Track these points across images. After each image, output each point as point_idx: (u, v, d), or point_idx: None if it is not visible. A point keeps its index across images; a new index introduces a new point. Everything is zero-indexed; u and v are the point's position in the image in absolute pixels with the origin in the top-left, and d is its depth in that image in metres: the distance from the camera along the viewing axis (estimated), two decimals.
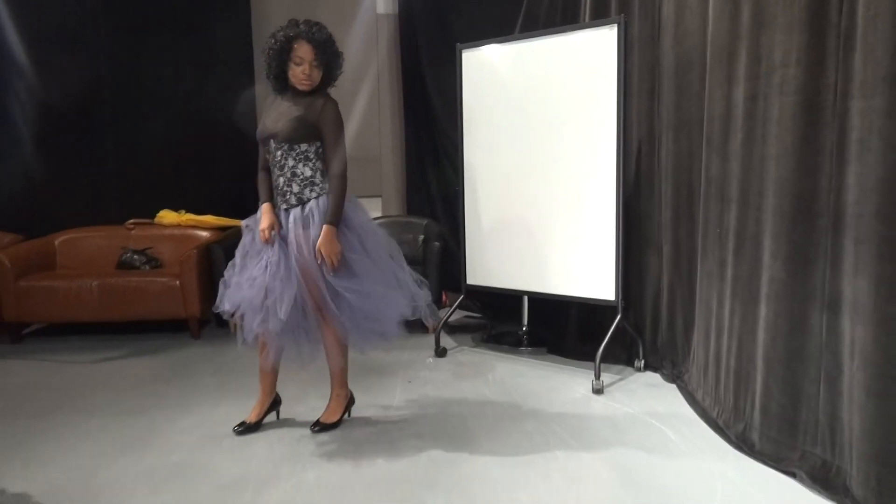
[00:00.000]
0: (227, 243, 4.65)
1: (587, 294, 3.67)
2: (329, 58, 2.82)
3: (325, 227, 2.77)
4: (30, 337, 4.61)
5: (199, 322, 4.55)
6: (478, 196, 4.12)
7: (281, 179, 2.87)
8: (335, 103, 2.85)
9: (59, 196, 5.01)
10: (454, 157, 4.48)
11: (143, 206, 5.08)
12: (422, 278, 3.03)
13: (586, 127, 3.58)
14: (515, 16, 4.36)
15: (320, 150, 2.86)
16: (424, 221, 4.84)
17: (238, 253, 2.97)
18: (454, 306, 4.30)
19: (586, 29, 3.54)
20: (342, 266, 2.80)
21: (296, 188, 2.84)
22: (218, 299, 2.94)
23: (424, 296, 2.98)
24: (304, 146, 2.82)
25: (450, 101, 4.50)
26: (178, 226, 4.99)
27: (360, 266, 2.83)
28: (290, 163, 2.83)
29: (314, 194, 2.84)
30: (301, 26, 2.80)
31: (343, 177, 2.83)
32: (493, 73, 3.96)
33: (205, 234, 4.93)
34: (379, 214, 5.30)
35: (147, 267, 4.75)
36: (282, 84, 2.88)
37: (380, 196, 5.46)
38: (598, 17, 3.80)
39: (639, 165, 3.70)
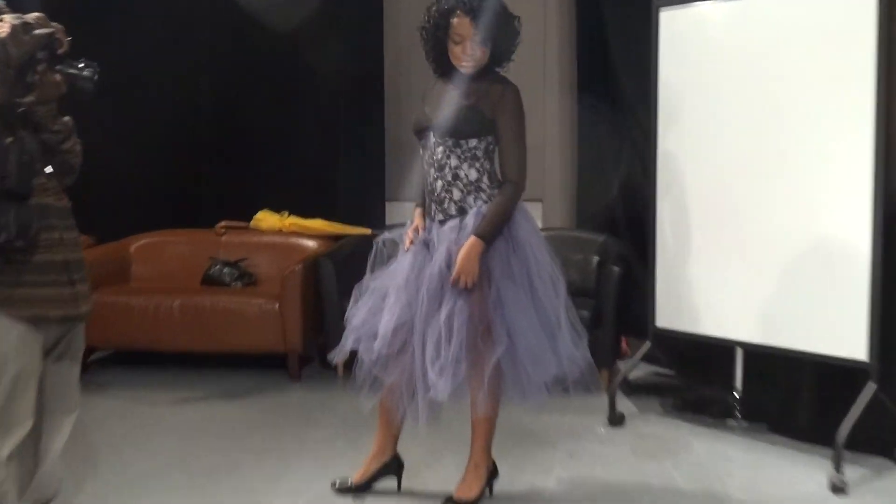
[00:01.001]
0: (340, 256, 5.25)
1: (827, 350, 3.87)
2: (497, 31, 3.22)
3: (472, 238, 3.16)
4: (95, 365, 5.43)
5: (301, 359, 5.17)
6: (676, 206, 4.42)
7: (439, 183, 3.27)
8: (516, 90, 3.25)
9: (138, 191, 5.89)
10: (645, 153, 4.80)
11: (238, 206, 5.85)
12: (580, 328, 3.29)
13: (834, 118, 3.81)
14: None
15: (491, 147, 3.28)
16: (600, 238, 5.18)
17: (367, 278, 3.42)
18: (636, 357, 4.61)
19: None
20: (486, 292, 3.19)
21: (457, 194, 3.26)
22: (343, 339, 3.39)
23: (581, 354, 3.26)
24: (472, 142, 3.24)
25: (642, 78, 4.78)
26: (280, 232, 5.69)
27: (512, 296, 3.20)
28: (453, 162, 3.24)
29: (479, 203, 3.25)
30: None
31: (519, 185, 3.23)
32: (702, 40, 4.27)
33: (312, 243, 5.59)
34: (538, 225, 5.66)
35: (239, 283, 5.46)
36: (444, 66, 3.32)
37: (540, 200, 5.85)
38: None
39: None
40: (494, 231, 3.18)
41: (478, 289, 3.17)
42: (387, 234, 3.53)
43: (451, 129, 3.24)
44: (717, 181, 4.24)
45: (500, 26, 3.22)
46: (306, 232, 5.66)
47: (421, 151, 3.38)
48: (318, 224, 5.67)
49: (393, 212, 6.07)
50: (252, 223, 5.76)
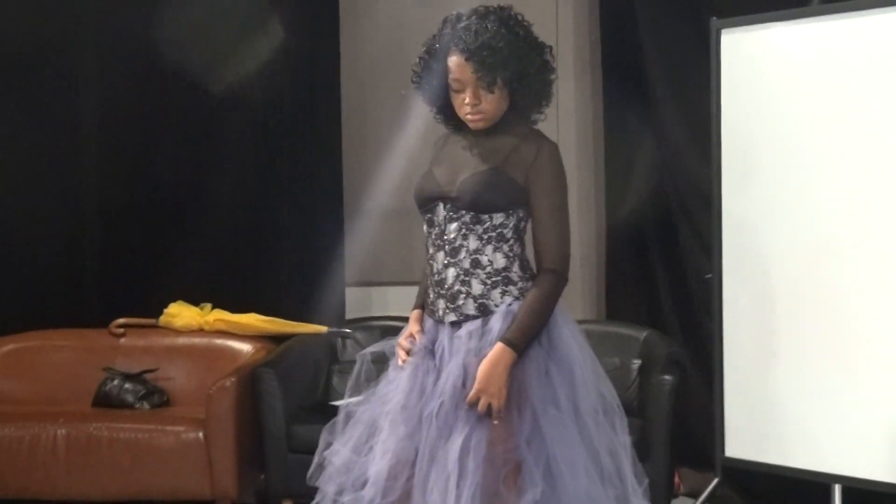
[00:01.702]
0: (285, 365, 5.15)
1: None
2: (510, 70, 3.14)
3: (498, 346, 3.08)
4: None
5: None
6: (749, 292, 4.40)
7: (451, 272, 3.18)
8: (554, 148, 3.19)
9: (2, 278, 5.72)
10: (702, 217, 4.79)
11: (142, 296, 5.71)
12: (641, 475, 3.23)
13: None
14: None
15: (523, 224, 3.23)
16: (643, 334, 5.14)
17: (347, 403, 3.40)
18: (703, 497, 4.55)
19: None
20: (517, 419, 3.10)
21: (477, 287, 3.17)
22: (320, 487, 3.28)
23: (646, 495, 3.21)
24: (497, 218, 3.16)
25: (696, 117, 4.85)
26: (200, 332, 5.57)
27: (553, 426, 3.10)
28: (472, 244, 3.16)
29: (508, 299, 3.17)
30: (450, 26, 3.18)
31: (561, 274, 3.17)
32: (778, 70, 4.30)
33: (245, 346, 5.49)
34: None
35: (146, 404, 5.30)
36: (454, 116, 3.28)
37: None
38: None
39: None
40: (529, 338, 3.11)
41: (505, 415, 3.09)
42: (374, 348, 3.48)
43: (471, 200, 3.15)
44: (803, 259, 4.25)
45: (515, 63, 3.13)
46: (236, 331, 5.57)
47: (425, 229, 3.31)
48: (251, 320, 5.58)
49: (356, 301, 6.04)
50: (161, 320, 5.64)
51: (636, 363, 5.04)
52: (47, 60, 5.84)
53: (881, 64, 4.02)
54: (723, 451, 4.47)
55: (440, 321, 3.24)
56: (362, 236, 5.97)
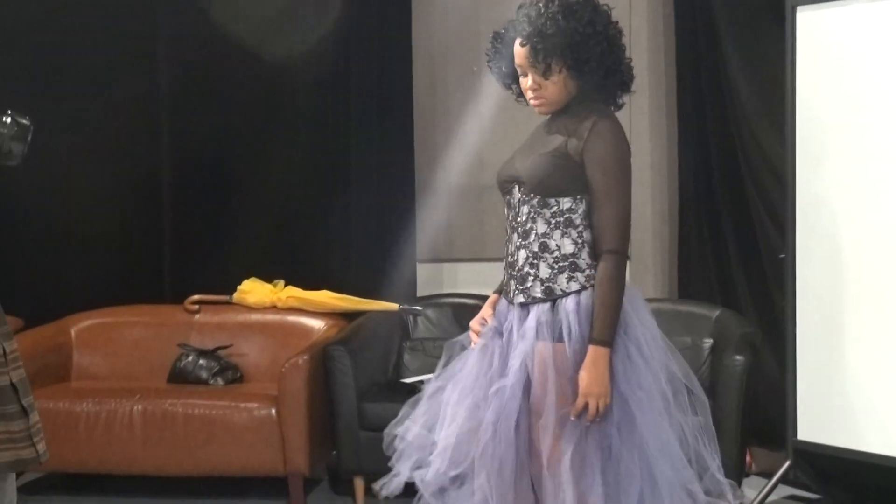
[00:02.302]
0: (357, 342, 5.23)
1: None
2: (565, 56, 3.18)
3: (592, 349, 3.12)
4: (25, 491, 5.32)
5: (306, 483, 5.12)
6: (825, 272, 4.40)
7: (521, 253, 3.26)
8: (612, 121, 3.23)
9: (80, 254, 5.89)
10: (777, 197, 4.78)
11: (216, 273, 5.84)
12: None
13: None
14: None
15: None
16: (714, 312, 5.14)
17: (420, 378, 3.46)
18: (774, 480, 4.54)
19: None
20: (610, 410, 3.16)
21: (544, 270, 3.23)
22: (395, 463, 3.38)
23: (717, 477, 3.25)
24: (565, 202, 3.22)
25: (771, 95, 4.85)
26: (274, 308, 5.66)
27: (644, 414, 3.16)
28: (540, 227, 3.23)
29: (575, 286, 3.21)
30: (520, 12, 3.25)
31: (621, 255, 3.20)
32: (856, 49, 4.28)
33: (318, 323, 5.59)
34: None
35: (220, 381, 5.43)
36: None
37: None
38: None
39: None
40: (612, 327, 3.15)
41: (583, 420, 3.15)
42: (461, 337, 3.52)
43: (536, 183, 3.22)
44: (877, 240, 4.24)
45: (571, 49, 3.17)
46: (309, 308, 5.65)
47: (505, 211, 3.38)
48: (324, 297, 5.65)
49: (427, 277, 6.09)
50: (235, 297, 5.73)
51: (708, 342, 5.03)
52: (124, 38, 5.94)
53: None
54: (795, 433, 4.48)
55: (511, 302, 3.31)
56: (433, 213, 6.04)
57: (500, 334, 3.33)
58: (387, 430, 3.47)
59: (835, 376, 4.38)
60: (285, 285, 5.73)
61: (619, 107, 3.38)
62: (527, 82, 3.25)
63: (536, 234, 3.23)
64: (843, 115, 4.33)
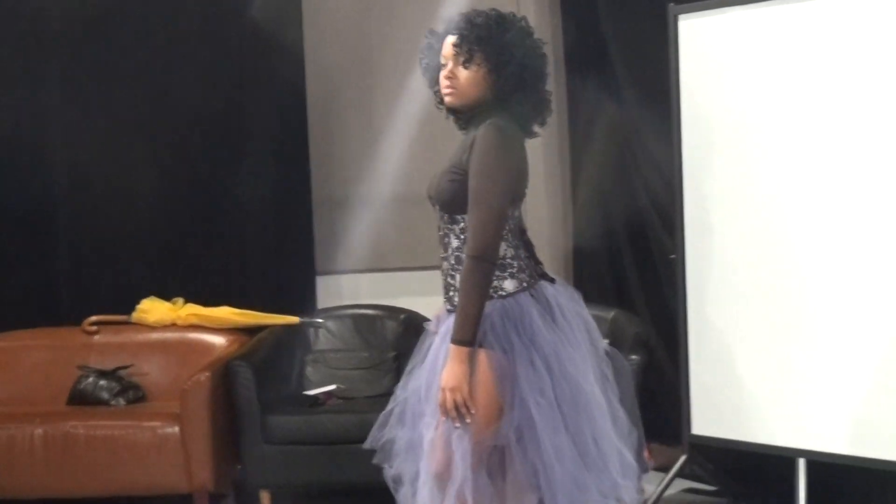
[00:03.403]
0: (259, 357, 5.30)
1: None
2: (489, 46, 3.30)
3: (451, 347, 3.25)
4: None
5: (212, 499, 5.16)
6: (710, 273, 4.59)
7: (444, 265, 3.43)
8: (490, 129, 3.28)
9: None
10: (666, 200, 4.97)
11: (113, 293, 5.86)
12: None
13: None
14: None
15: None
16: (610, 314, 5.26)
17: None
18: (671, 474, 4.73)
19: None
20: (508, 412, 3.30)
21: (459, 282, 3.35)
22: (378, 457, 3.55)
23: (632, 479, 3.44)
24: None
25: (658, 101, 5.01)
26: (174, 326, 5.70)
27: (543, 419, 3.27)
28: (454, 242, 3.38)
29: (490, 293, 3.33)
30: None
31: (479, 260, 3.25)
32: (736, 54, 4.47)
33: (219, 340, 5.64)
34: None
35: (122, 401, 5.44)
36: (457, 112, 3.47)
37: None
38: None
39: None
40: (467, 327, 3.23)
41: (486, 404, 3.27)
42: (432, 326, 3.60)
43: (442, 202, 3.37)
44: (766, 240, 4.43)
45: (494, 45, 3.30)
46: (209, 324, 5.70)
47: None
48: (224, 313, 5.71)
49: (326, 290, 6.17)
50: (134, 316, 5.76)
51: (604, 343, 5.14)
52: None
53: (835, 47, 4.19)
54: (689, 428, 4.65)
55: (445, 307, 3.49)
56: (331, 225, 6.14)
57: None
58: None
59: (726, 372, 4.56)
60: (185, 303, 5.76)
61: (530, 135, 3.49)
62: (445, 72, 3.36)
63: (451, 248, 3.38)
64: (727, 117, 4.51)
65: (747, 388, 4.51)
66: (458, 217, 3.33)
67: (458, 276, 3.34)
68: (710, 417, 4.62)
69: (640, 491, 4.90)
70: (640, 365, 4.91)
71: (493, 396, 3.26)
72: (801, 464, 4.53)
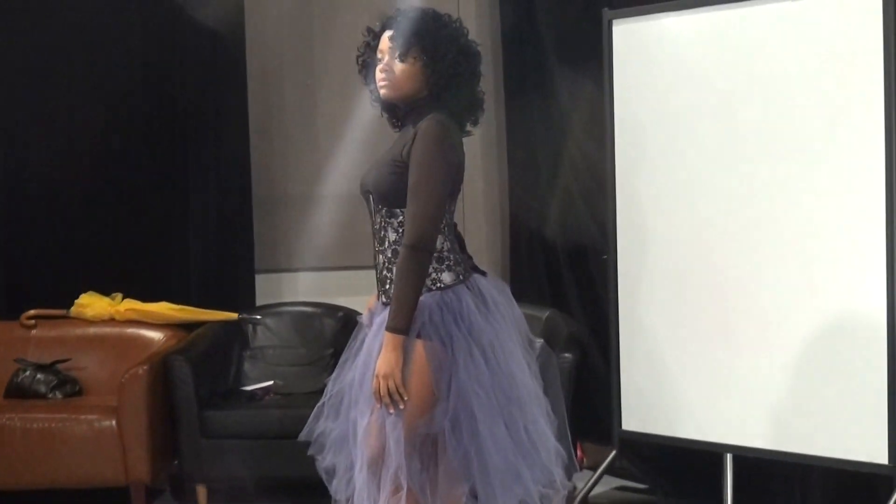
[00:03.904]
0: (197, 351, 5.39)
1: (839, 454, 4.19)
2: (425, 40, 3.42)
3: (385, 335, 3.37)
4: None
5: (148, 492, 5.25)
6: (640, 273, 4.74)
7: (380, 258, 3.53)
8: (431, 124, 3.36)
9: None
10: (599, 201, 5.10)
11: (51, 288, 5.90)
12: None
13: (833, 157, 4.19)
14: None
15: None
16: (544, 314, 5.41)
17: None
18: (601, 469, 4.86)
19: None
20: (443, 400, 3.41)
21: (395, 271, 3.45)
22: (313, 450, 3.65)
23: (561, 466, 3.56)
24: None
25: (592, 108, 5.16)
26: (112, 321, 5.77)
27: (481, 408, 3.40)
28: (391, 235, 3.48)
29: (426, 285, 3.42)
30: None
31: (419, 249, 3.36)
32: (668, 59, 4.63)
33: (157, 335, 5.72)
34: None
35: (58, 394, 5.49)
36: (392, 110, 3.60)
37: None
38: None
39: None
40: (402, 315, 3.34)
41: (420, 392, 3.39)
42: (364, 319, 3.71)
43: (378, 195, 3.48)
44: (694, 242, 4.59)
45: (429, 40, 3.42)
46: (148, 320, 5.77)
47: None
48: (163, 309, 5.78)
49: (265, 287, 6.25)
50: (72, 311, 5.81)
51: (538, 343, 5.25)
52: None
53: (764, 53, 4.36)
54: (620, 424, 4.79)
55: (378, 301, 3.59)
56: (271, 224, 6.24)
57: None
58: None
59: (655, 371, 4.71)
60: (123, 298, 5.83)
61: (466, 134, 3.60)
62: (381, 66, 3.47)
63: (389, 241, 3.48)
64: (658, 120, 4.66)
65: (676, 386, 4.66)
66: (397, 210, 3.43)
67: (395, 269, 3.43)
68: (640, 414, 4.77)
69: (571, 488, 5.07)
70: (573, 363, 5.03)
71: (428, 385, 3.37)
72: (728, 459, 4.68)
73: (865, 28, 4.07)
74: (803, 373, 4.30)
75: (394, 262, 3.45)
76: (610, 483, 5.44)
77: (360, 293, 5.53)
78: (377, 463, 3.43)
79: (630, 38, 4.71)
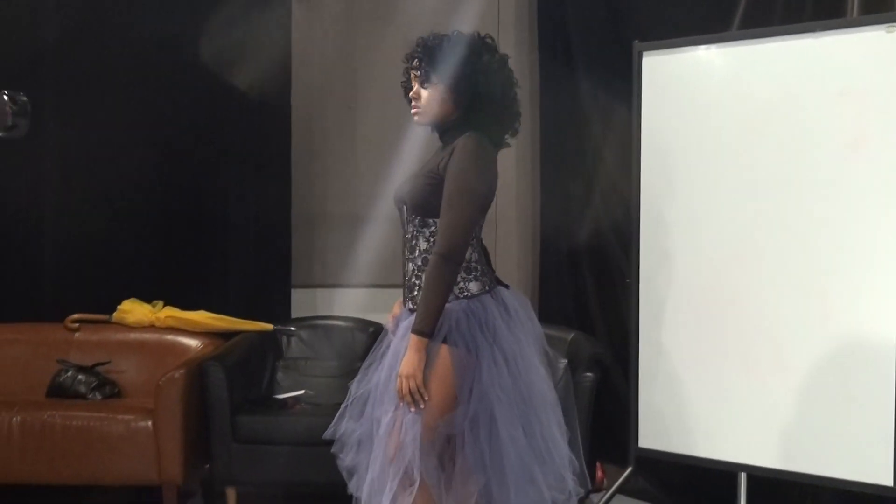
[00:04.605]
0: (232, 359, 5.59)
1: (846, 475, 4.37)
2: (442, 64, 3.65)
3: (411, 337, 3.57)
4: None
5: (181, 493, 5.45)
6: (660, 296, 4.93)
7: (410, 266, 3.73)
8: (470, 140, 3.59)
9: None
10: (626, 227, 5.28)
11: (95, 293, 6.12)
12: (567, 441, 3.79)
13: (848, 186, 4.38)
14: (732, 2, 5.24)
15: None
16: (569, 335, 5.56)
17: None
18: (615, 487, 5.02)
19: (849, 29, 4.39)
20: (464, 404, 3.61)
21: (425, 278, 3.64)
22: (336, 449, 3.89)
23: (574, 473, 3.75)
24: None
25: (622, 135, 5.35)
26: (152, 328, 6.00)
27: (502, 412, 3.60)
28: (422, 245, 3.70)
29: (454, 293, 3.63)
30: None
31: (446, 257, 3.57)
32: (695, 91, 4.83)
33: (194, 342, 5.93)
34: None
35: (98, 395, 5.71)
36: (438, 129, 3.80)
37: None
38: (874, 10, 4.61)
39: None
40: (428, 319, 3.54)
41: (441, 393, 3.59)
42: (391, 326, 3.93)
43: (412, 204, 3.69)
44: (714, 266, 4.76)
45: (449, 63, 3.64)
46: (186, 327, 5.97)
47: (401, 227, 3.83)
48: (201, 317, 5.98)
49: (301, 301, 6.47)
50: (114, 316, 6.02)
51: (562, 363, 5.31)
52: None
53: (782, 87, 4.54)
54: (637, 442, 4.95)
55: (404, 308, 3.79)
56: (309, 241, 6.47)
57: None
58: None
59: (673, 391, 4.88)
60: (164, 306, 6.04)
61: (501, 146, 3.82)
62: (411, 93, 3.74)
63: (420, 250, 3.69)
64: (685, 149, 4.84)
65: (693, 405, 4.82)
66: (430, 220, 3.66)
67: (424, 276, 3.61)
68: (657, 432, 4.93)
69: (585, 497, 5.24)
70: (594, 382, 5.17)
71: (450, 388, 3.57)
72: (742, 478, 4.85)
73: (882, 62, 4.26)
74: (814, 395, 4.46)
75: (423, 270, 3.64)
76: (624, 503, 5.57)
77: (391, 310, 5.79)
78: (395, 459, 3.62)
79: (659, 69, 4.91)
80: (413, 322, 3.58)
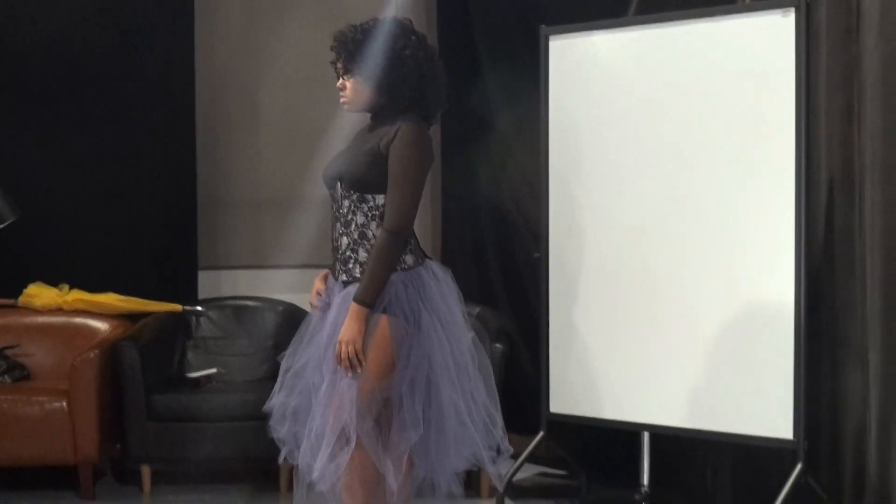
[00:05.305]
0: (144, 340, 5.71)
1: (748, 430, 4.65)
2: (356, 55, 3.85)
3: (352, 305, 3.76)
4: None
5: (95, 472, 5.56)
6: (570, 269, 5.16)
7: (344, 239, 3.89)
8: (414, 123, 3.81)
9: None
10: (530, 205, 5.52)
11: (0, 278, 6.13)
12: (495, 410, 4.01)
13: (748, 163, 4.67)
14: None
15: None
16: (476, 310, 5.69)
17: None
18: (525, 454, 5.23)
19: (747, 14, 4.67)
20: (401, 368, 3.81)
21: (363, 255, 3.84)
22: (272, 414, 3.97)
23: (498, 437, 3.98)
24: (380, 198, 3.82)
25: (526, 116, 5.58)
26: (60, 311, 6.07)
27: (439, 373, 3.81)
28: (360, 219, 3.86)
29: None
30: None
31: (394, 233, 3.77)
32: (599, 74, 5.08)
33: (103, 325, 6.05)
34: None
35: (7, 378, 5.78)
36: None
37: None
38: None
39: (830, 225, 4.72)
40: (371, 290, 3.76)
41: (379, 360, 3.78)
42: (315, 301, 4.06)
43: (352, 180, 3.85)
44: (619, 240, 5.03)
45: (360, 52, 3.85)
46: (95, 310, 6.07)
47: (331, 203, 3.98)
48: (109, 299, 6.09)
49: (208, 282, 6.56)
50: (21, 300, 6.08)
51: (469, 335, 5.64)
52: None
53: (683, 68, 4.81)
54: (547, 407, 5.18)
55: (336, 279, 3.95)
56: (214, 223, 6.58)
57: (329, 307, 3.96)
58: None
59: (581, 358, 5.12)
60: (70, 289, 6.11)
61: (431, 121, 4.02)
62: (338, 84, 3.94)
63: (356, 224, 3.85)
64: (590, 131, 5.08)
65: (602, 372, 5.06)
66: (368, 196, 3.83)
67: (361, 250, 3.83)
68: (566, 398, 5.16)
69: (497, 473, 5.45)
70: (504, 353, 5.43)
71: (388, 355, 3.78)
72: (646, 437, 5.16)
73: (779, 45, 4.52)
74: (718, 356, 4.72)
75: (359, 244, 3.84)
76: (532, 470, 5.85)
77: (296, 290, 5.95)
78: (333, 420, 3.80)
79: (565, 52, 5.14)
80: (356, 292, 3.76)
